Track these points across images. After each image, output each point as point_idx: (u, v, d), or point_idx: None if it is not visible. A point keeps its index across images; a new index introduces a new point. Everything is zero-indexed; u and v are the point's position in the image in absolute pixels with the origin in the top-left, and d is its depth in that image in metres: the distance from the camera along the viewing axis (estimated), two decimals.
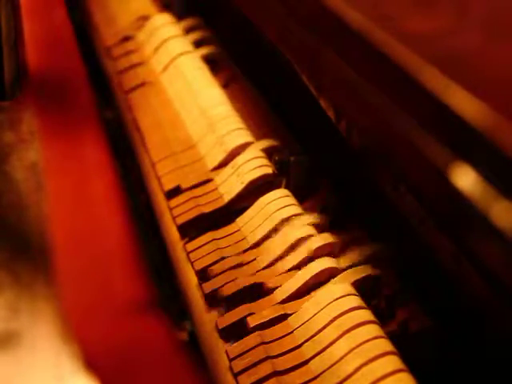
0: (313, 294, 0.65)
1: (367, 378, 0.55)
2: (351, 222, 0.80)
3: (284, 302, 0.65)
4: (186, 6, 1.28)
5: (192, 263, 0.74)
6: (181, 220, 0.80)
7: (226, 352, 0.63)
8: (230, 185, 0.82)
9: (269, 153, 0.84)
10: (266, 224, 0.74)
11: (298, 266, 0.68)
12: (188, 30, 1.18)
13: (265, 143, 0.85)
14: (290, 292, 0.66)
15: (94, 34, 1.31)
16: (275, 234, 0.72)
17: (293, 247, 0.69)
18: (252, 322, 0.63)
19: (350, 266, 0.67)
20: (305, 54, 0.57)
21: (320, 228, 0.72)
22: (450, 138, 0.39)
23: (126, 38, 1.20)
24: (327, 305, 0.62)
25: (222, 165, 0.85)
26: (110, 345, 0.43)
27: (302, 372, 0.60)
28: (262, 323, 0.63)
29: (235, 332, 0.64)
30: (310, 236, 0.70)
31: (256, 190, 0.79)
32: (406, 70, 0.42)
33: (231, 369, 0.61)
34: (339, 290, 0.63)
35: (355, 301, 0.62)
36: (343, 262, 0.68)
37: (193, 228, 0.79)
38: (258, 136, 0.88)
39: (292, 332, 0.63)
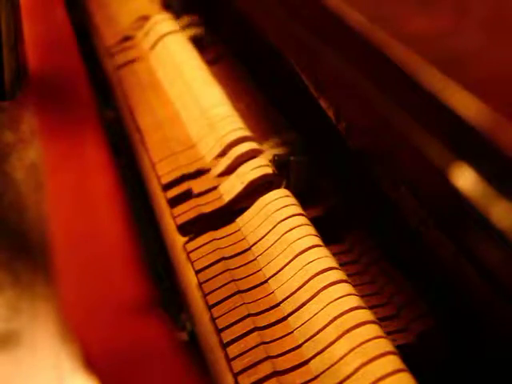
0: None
1: (367, 378, 0.55)
2: (352, 222, 0.80)
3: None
4: (186, 7, 1.28)
5: (192, 263, 0.74)
6: (181, 220, 0.80)
7: (226, 352, 0.63)
8: (230, 185, 0.82)
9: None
10: (266, 224, 0.74)
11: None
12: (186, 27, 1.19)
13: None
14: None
15: (94, 34, 1.31)
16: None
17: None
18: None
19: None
20: (305, 54, 0.57)
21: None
22: (450, 138, 0.39)
23: (126, 38, 1.20)
24: (327, 305, 0.62)
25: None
26: (110, 345, 0.43)
27: (302, 372, 0.60)
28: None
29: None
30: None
31: (256, 189, 0.79)
32: (405, 70, 0.42)
33: (231, 369, 0.61)
34: (339, 290, 0.63)
35: (355, 301, 0.62)
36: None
37: (193, 228, 0.79)
38: (258, 136, 0.88)
39: (292, 332, 0.63)
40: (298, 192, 0.78)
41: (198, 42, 1.13)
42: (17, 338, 0.45)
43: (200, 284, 0.71)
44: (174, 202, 0.83)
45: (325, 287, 0.64)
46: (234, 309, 0.67)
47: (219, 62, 1.12)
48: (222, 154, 0.86)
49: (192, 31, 1.15)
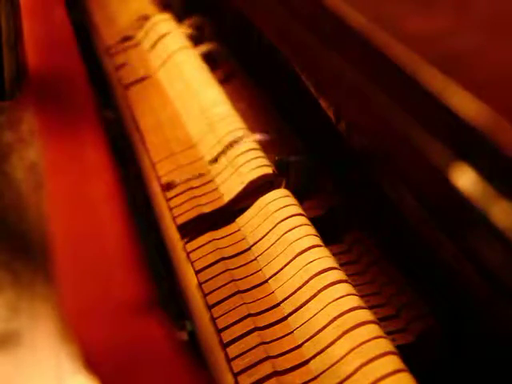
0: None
1: (367, 377, 0.55)
2: (352, 222, 0.80)
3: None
4: (186, 7, 1.28)
5: (192, 263, 0.74)
6: (181, 220, 0.80)
7: (226, 352, 0.63)
8: (230, 185, 0.82)
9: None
10: (266, 224, 0.74)
11: None
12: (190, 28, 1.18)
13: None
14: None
15: (94, 34, 1.31)
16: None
17: None
18: None
19: None
20: (305, 54, 0.57)
21: None
22: (450, 137, 0.39)
23: (126, 38, 1.20)
24: (327, 305, 0.62)
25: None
26: (110, 345, 0.43)
27: (302, 372, 0.60)
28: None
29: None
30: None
31: (256, 190, 0.79)
32: (405, 70, 0.42)
33: (231, 369, 0.61)
34: (339, 290, 0.63)
35: (355, 301, 0.62)
36: None
37: (193, 228, 0.79)
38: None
39: (292, 332, 0.63)
40: (297, 192, 0.78)
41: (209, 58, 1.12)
42: (17, 338, 0.45)
43: (200, 284, 0.71)
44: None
45: (325, 287, 0.64)
46: (234, 309, 0.67)
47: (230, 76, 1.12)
48: (222, 154, 0.86)
49: (204, 47, 1.14)
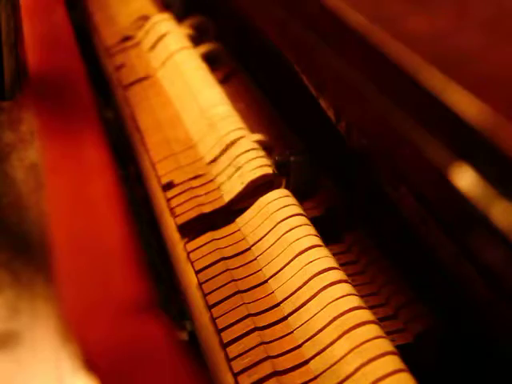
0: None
1: (367, 377, 0.55)
2: (352, 222, 0.80)
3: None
4: (186, 7, 1.28)
5: (192, 263, 0.74)
6: (181, 220, 0.80)
7: (226, 352, 0.63)
8: (230, 185, 0.82)
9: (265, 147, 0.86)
10: (266, 224, 0.74)
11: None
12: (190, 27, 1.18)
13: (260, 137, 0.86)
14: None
15: (94, 34, 1.31)
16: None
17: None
18: None
19: None
20: (305, 54, 0.57)
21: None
22: (450, 138, 0.39)
23: (126, 38, 1.20)
24: (327, 305, 0.62)
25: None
26: (110, 345, 0.43)
27: (302, 372, 0.60)
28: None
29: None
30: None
31: (256, 190, 0.79)
32: (405, 69, 0.42)
33: (231, 369, 0.61)
34: (339, 290, 0.63)
35: (355, 301, 0.62)
36: None
37: (193, 228, 0.79)
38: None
39: (292, 332, 0.63)
40: (297, 192, 0.78)
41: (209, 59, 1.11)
42: (17, 338, 0.45)
43: (200, 284, 0.71)
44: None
45: (325, 287, 0.64)
46: (234, 309, 0.67)
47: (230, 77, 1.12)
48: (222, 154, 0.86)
49: (204, 47, 1.14)
